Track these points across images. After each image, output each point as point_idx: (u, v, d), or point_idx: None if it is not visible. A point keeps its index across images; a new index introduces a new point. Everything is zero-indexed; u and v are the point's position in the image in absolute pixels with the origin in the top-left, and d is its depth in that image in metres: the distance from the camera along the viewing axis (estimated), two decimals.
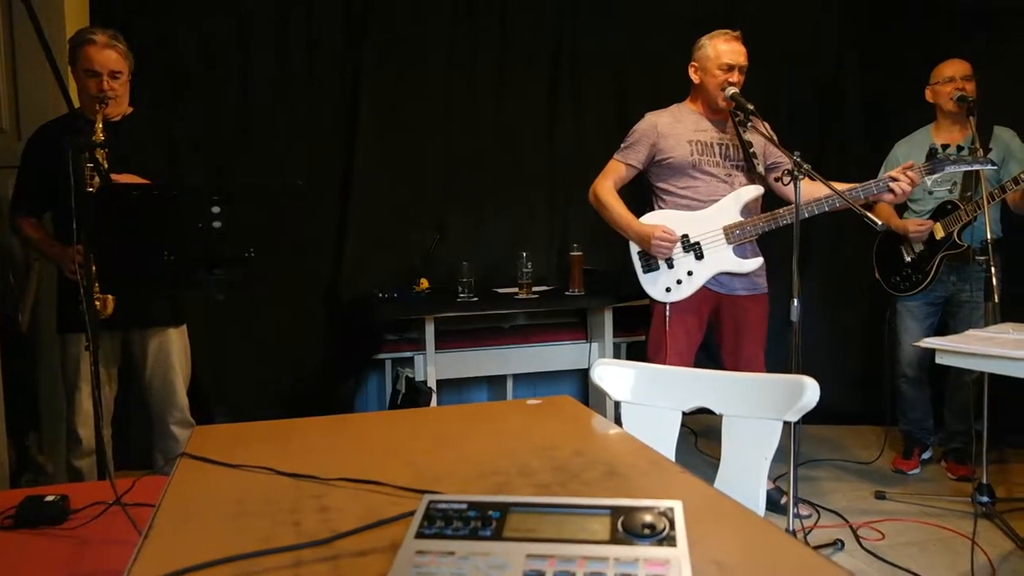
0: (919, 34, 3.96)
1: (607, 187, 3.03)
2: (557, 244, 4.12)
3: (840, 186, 2.69)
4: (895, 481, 3.37)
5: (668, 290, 2.94)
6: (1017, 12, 3.60)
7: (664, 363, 2.84)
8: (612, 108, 4.14)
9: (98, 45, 2.49)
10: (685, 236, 2.92)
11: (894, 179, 2.76)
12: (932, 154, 3.24)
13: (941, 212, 3.23)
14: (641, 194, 3.14)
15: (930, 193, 3.29)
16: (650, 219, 2.97)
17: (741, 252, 2.93)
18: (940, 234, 3.21)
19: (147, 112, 2.75)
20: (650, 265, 2.95)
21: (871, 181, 2.80)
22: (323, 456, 1.19)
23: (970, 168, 2.83)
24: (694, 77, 3.00)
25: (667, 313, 2.94)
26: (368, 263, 3.82)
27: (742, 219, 2.90)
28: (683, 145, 2.94)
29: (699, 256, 2.91)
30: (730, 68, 2.89)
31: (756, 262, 2.93)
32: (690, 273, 2.92)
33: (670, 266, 2.93)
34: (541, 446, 1.20)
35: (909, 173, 2.76)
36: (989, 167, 2.79)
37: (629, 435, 1.28)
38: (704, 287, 2.93)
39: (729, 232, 2.90)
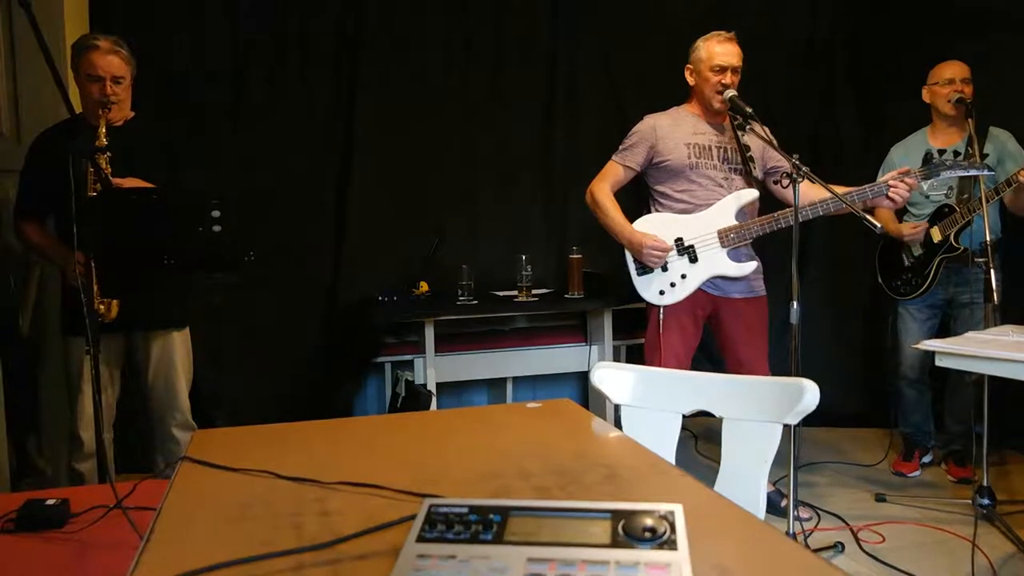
0: (914, 35, 3.97)
1: (604, 190, 3.02)
2: (556, 246, 4.12)
3: (839, 189, 2.68)
4: (895, 484, 3.37)
5: (661, 293, 2.94)
6: (1011, 12, 3.61)
7: (659, 365, 2.84)
8: (610, 110, 4.14)
9: (101, 50, 2.50)
10: (679, 239, 2.92)
11: (892, 186, 2.76)
12: (928, 160, 3.25)
13: (938, 216, 3.23)
14: (640, 196, 3.14)
15: (927, 197, 3.29)
16: (644, 223, 2.97)
17: (736, 256, 2.92)
18: (937, 237, 3.21)
19: (148, 116, 2.75)
20: (644, 268, 2.94)
21: (868, 186, 2.79)
22: (323, 460, 1.19)
23: (966, 174, 2.82)
24: (690, 79, 3.00)
25: (660, 316, 2.94)
26: (367, 266, 3.82)
27: (737, 223, 2.89)
28: (680, 148, 2.93)
29: (693, 259, 2.91)
30: (723, 69, 2.87)
31: (750, 266, 2.92)
32: (683, 276, 2.91)
33: (664, 269, 2.92)
34: (541, 449, 1.20)
35: (907, 180, 2.75)
36: (985, 173, 2.78)
37: (629, 438, 1.29)
38: (700, 289, 2.92)
39: (724, 235, 2.89)
